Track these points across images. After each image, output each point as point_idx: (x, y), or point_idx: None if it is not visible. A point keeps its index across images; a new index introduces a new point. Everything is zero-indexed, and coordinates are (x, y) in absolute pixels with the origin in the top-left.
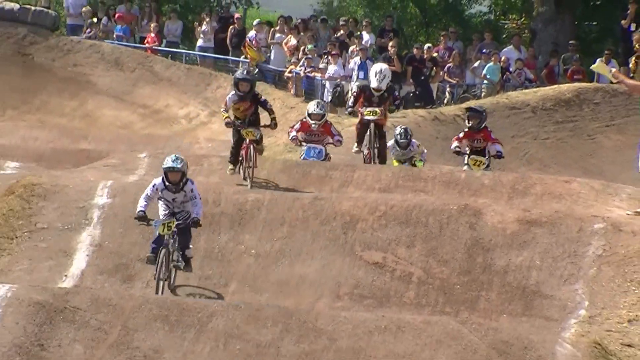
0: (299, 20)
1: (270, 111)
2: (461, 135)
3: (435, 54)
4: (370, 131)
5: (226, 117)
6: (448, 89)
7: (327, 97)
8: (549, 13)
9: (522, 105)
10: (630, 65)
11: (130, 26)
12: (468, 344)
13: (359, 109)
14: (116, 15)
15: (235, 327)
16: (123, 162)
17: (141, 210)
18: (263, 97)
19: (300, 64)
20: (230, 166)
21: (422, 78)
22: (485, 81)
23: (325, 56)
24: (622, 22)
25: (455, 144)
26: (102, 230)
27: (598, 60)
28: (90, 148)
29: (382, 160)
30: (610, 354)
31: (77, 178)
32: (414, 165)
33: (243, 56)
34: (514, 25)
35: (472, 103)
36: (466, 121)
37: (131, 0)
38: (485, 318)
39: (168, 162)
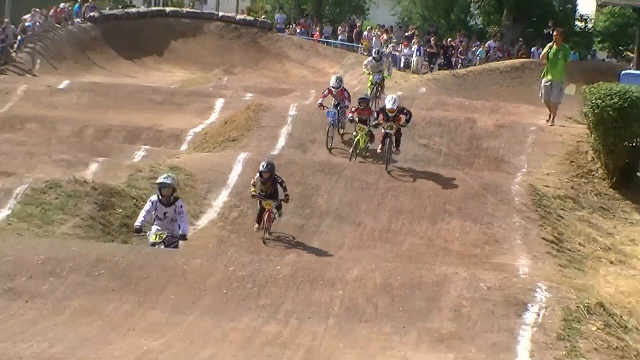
0: (389, 26)
1: (284, 189)
2: (353, 109)
3: (453, 44)
4: (387, 140)
5: (253, 192)
6: (460, 62)
7: (401, 64)
8: (509, 24)
9: (495, 69)
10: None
11: (307, 29)
12: (468, 185)
13: (381, 123)
14: (300, 22)
15: (356, 175)
16: (302, 95)
17: (138, 225)
18: (280, 179)
19: (389, 47)
20: (256, 225)
21: (447, 55)
22: (478, 58)
23: (400, 44)
24: (545, 31)
25: (349, 115)
26: (292, 127)
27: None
28: (286, 87)
29: (397, 143)
30: (537, 190)
31: (281, 101)
32: (383, 77)
33: (361, 44)
34: (493, 30)
35: (472, 69)
36: (358, 104)
37: (307, 15)
38: (477, 172)
39: (160, 179)
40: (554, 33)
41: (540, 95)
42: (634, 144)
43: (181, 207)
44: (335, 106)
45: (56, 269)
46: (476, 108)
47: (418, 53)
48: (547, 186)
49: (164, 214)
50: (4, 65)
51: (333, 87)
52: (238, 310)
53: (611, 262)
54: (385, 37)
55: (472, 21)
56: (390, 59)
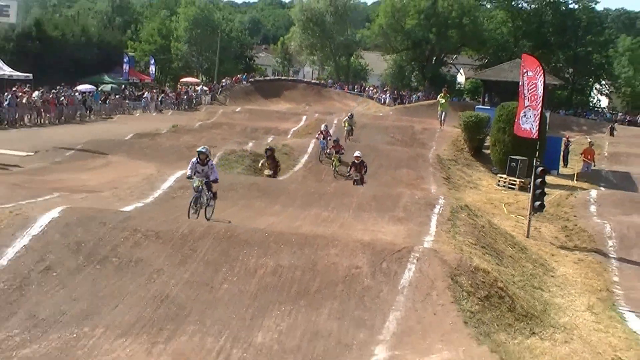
0: (377, 85)
1: (278, 166)
2: (331, 146)
3: (404, 93)
4: (355, 182)
5: (260, 168)
6: (407, 101)
7: (382, 101)
8: (428, 85)
9: (422, 105)
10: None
11: (341, 86)
12: (410, 154)
13: (351, 172)
14: (338, 83)
15: (364, 151)
16: (338, 115)
17: (189, 174)
18: (278, 161)
19: (377, 94)
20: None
21: (402, 98)
22: (414, 99)
23: (381, 93)
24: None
25: (328, 150)
26: (335, 128)
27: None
28: (332, 112)
29: (362, 183)
30: (440, 156)
31: (330, 117)
32: (352, 127)
33: (363, 94)
34: (422, 87)
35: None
36: (333, 143)
37: (341, 80)
38: (414, 149)
39: (199, 148)
40: (444, 89)
41: (438, 116)
42: (480, 137)
43: (212, 166)
44: (324, 138)
45: (234, 186)
46: (414, 121)
47: (389, 97)
48: (443, 155)
49: (202, 169)
50: (213, 101)
51: (323, 130)
52: (311, 206)
53: (470, 188)
54: (375, 90)
55: (412, 84)
56: (354, 118)
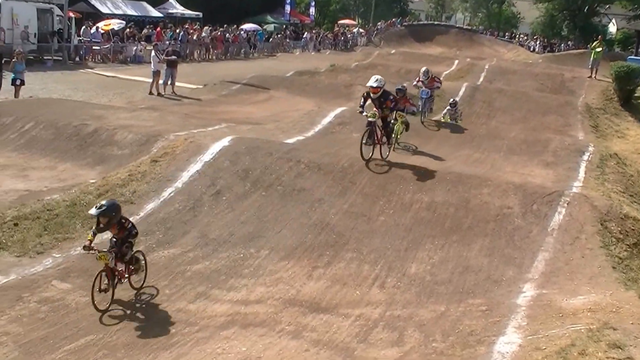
0: (529, 33)
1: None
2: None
3: (554, 42)
4: (374, 127)
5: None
6: (555, 50)
7: (531, 49)
8: (578, 35)
9: (571, 54)
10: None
11: (492, 33)
12: (559, 101)
13: (364, 112)
14: (489, 30)
15: (516, 95)
16: (489, 60)
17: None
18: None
19: (527, 43)
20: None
21: (551, 47)
22: (562, 47)
23: (531, 41)
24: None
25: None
26: (487, 73)
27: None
28: (482, 57)
29: (388, 137)
30: (588, 104)
31: (481, 62)
32: (456, 121)
33: (513, 40)
34: (571, 37)
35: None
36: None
37: (492, 27)
38: (563, 96)
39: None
40: (599, 37)
41: (588, 64)
42: (630, 87)
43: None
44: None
45: None
46: (564, 69)
47: (539, 45)
48: (592, 103)
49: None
50: (368, 43)
51: (422, 80)
52: (462, 147)
53: (618, 137)
54: (525, 37)
55: (563, 33)
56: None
